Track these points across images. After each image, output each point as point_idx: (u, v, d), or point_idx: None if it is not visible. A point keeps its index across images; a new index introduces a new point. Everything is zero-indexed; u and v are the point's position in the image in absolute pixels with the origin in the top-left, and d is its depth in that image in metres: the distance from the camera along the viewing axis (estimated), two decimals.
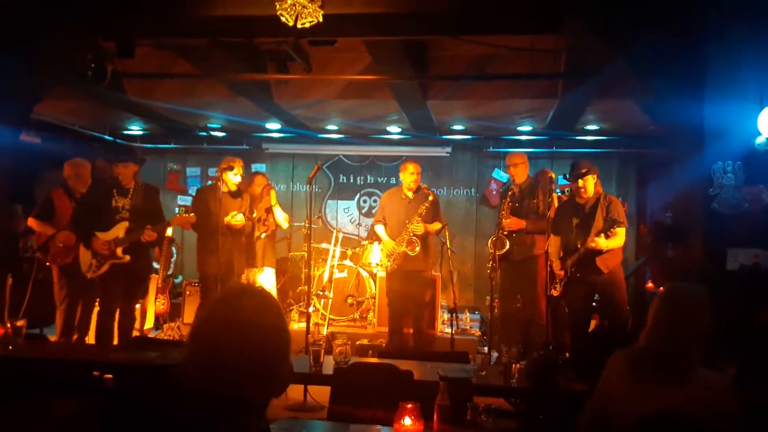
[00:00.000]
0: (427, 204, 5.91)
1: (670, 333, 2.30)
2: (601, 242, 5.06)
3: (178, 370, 1.48)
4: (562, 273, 5.36)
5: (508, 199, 5.97)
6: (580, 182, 5.28)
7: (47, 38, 4.70)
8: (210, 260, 5.85)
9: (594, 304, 5.42)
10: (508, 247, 5.87)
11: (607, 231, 5.07)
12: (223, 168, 5.87)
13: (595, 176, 5.29)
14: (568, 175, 5.45)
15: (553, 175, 6.09)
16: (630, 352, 2.41)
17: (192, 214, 5.66)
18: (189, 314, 7.02)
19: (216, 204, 5.74)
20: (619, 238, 5.14)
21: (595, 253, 5.14)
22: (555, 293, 5.39)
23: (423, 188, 6.05)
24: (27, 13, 4.59)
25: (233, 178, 5.88)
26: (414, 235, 5.86)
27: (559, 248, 5.42)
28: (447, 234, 6.13)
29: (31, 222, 5.83)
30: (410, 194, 6.04)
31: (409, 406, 2.39)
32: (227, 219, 5.79)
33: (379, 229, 6.19)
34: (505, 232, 5.89)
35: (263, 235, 6.53)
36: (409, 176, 6.02)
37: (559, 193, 6.11)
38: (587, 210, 5.29)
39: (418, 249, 5.86)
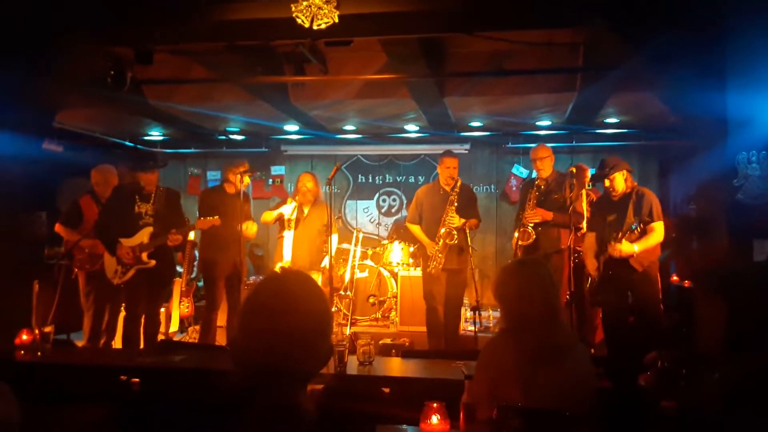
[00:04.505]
0: (457, 190, 5.88)
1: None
2: (624, 248, 4.95)
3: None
4: (596, 273, 5.27)
5: (535, 190, 5.84)
6: (607, 182, 5.21)
7: (65, 47, 4.76)
8: (218, 262, 5.98)
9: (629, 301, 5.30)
10: (534, 237, 5.75)
11: (635, 230, 4.93)
12: (240, 171, 5.90)
13: (624, 172, 5.17)
14: (593, 175, 5.35)
15: (587, 170, 6.05)
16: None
17: (216, 217, 5.71)
18: None
19: (227, 206, 5.88)
20: (654, 235, 5.02)
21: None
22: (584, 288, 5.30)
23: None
24: (44, 22, 4.64)
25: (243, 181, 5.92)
26: (451, 227, 5.81)
27: (595, 246, 5.32)
28: (468, 231, 6.10)
29: (59, 228, 5.89)
30: (448, 189, 5.98)
31: (435, 405, 2.38)
32: (246, 230, 5.87)
33: (416, 230, 6.11)
34: (531, 224, 5.78)
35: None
36: (445, 170, 5.98)
37: (590, 187, 5.99)
38: (620, 206, 5.17)
39: (456, 237, 5.80)
